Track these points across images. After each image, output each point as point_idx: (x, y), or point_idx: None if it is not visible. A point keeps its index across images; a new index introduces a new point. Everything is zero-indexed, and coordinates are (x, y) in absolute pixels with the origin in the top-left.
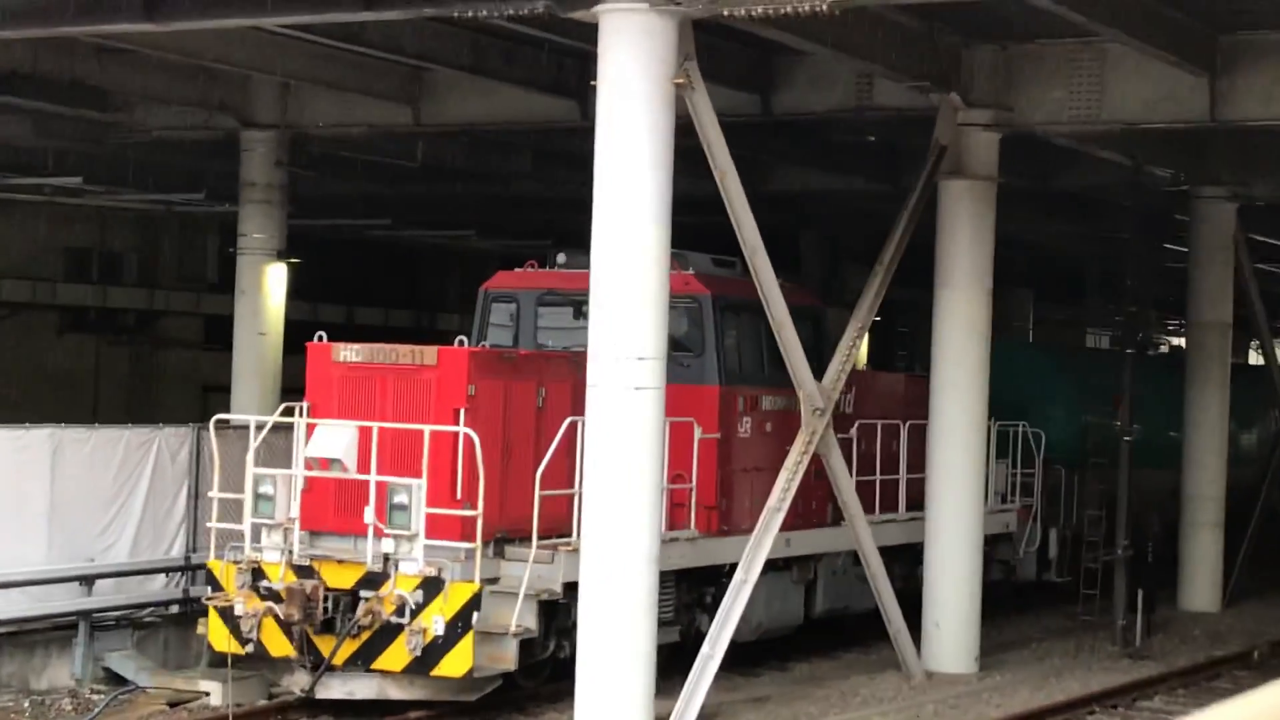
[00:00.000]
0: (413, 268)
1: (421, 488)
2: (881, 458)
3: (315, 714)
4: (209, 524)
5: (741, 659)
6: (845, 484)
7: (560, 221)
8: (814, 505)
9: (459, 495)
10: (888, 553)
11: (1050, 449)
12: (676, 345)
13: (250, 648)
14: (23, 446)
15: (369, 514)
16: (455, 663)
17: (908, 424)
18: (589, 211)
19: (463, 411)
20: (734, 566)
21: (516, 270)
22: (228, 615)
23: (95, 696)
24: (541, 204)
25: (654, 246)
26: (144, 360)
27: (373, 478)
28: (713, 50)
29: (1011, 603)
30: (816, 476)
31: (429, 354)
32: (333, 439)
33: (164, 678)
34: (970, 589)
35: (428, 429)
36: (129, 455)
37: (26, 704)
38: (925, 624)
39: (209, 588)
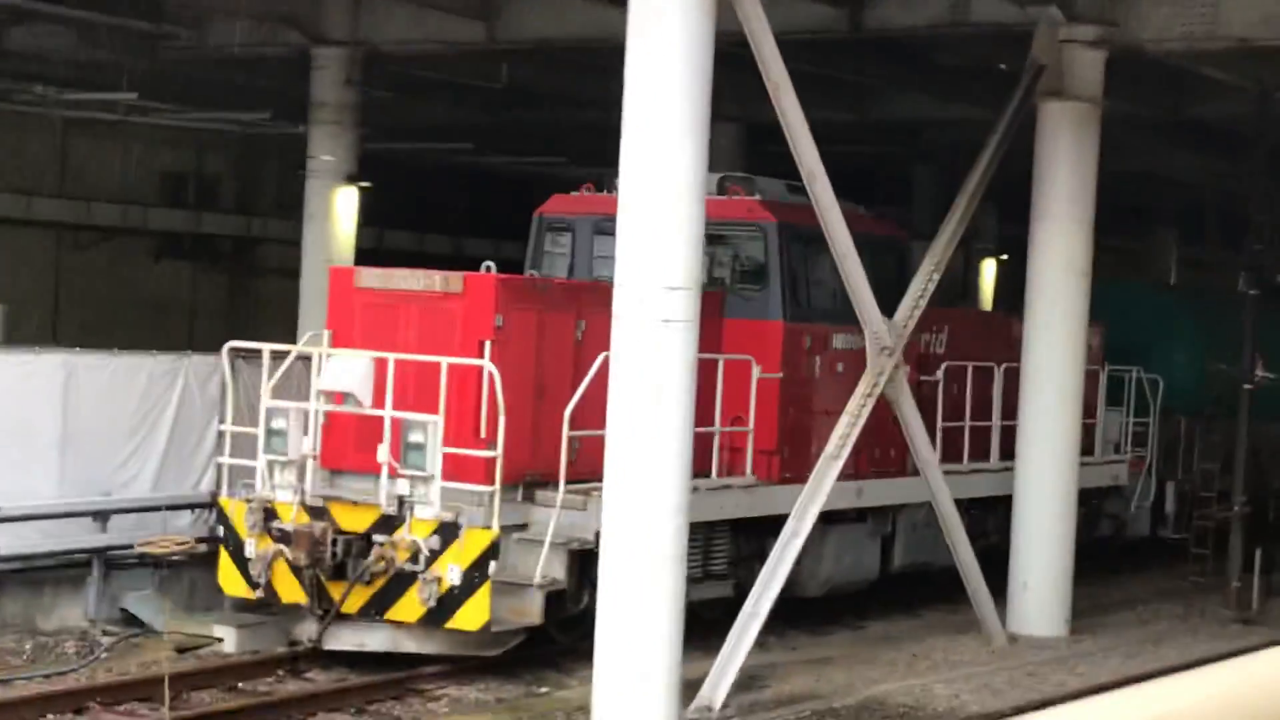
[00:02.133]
0: (492, 195)
1: (438, 425)
2: (974, 403)
3: (328, 665)
4: (219, 459)
5: (812, 615)
6: (917, 430)
7: None
8: (892, 453)
9: (483, 435)
10: (979, 505)
11: (1170, 397)
12: (739, 277)
13: (260, 592)
14: (30, 373)
15: (383, 452)
16: (471, 615)
17: (1003, 367)
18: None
19: (489, 344)
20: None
21: (572, 194)
22: (239, 557)
23: (105, 639)
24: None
25: (687, 164)
26: (240, 288)
27: (387, 413)
28: None
29: (1121, 560)
30: (895, 421)
31: (454, 280)
32: (346, 371)
33: (180, 621)
34: (1062, 547)
35: (445, 361)
36: (152, 384)
37: (29, 645)
38: (1012, 584)
39: (220, 527)
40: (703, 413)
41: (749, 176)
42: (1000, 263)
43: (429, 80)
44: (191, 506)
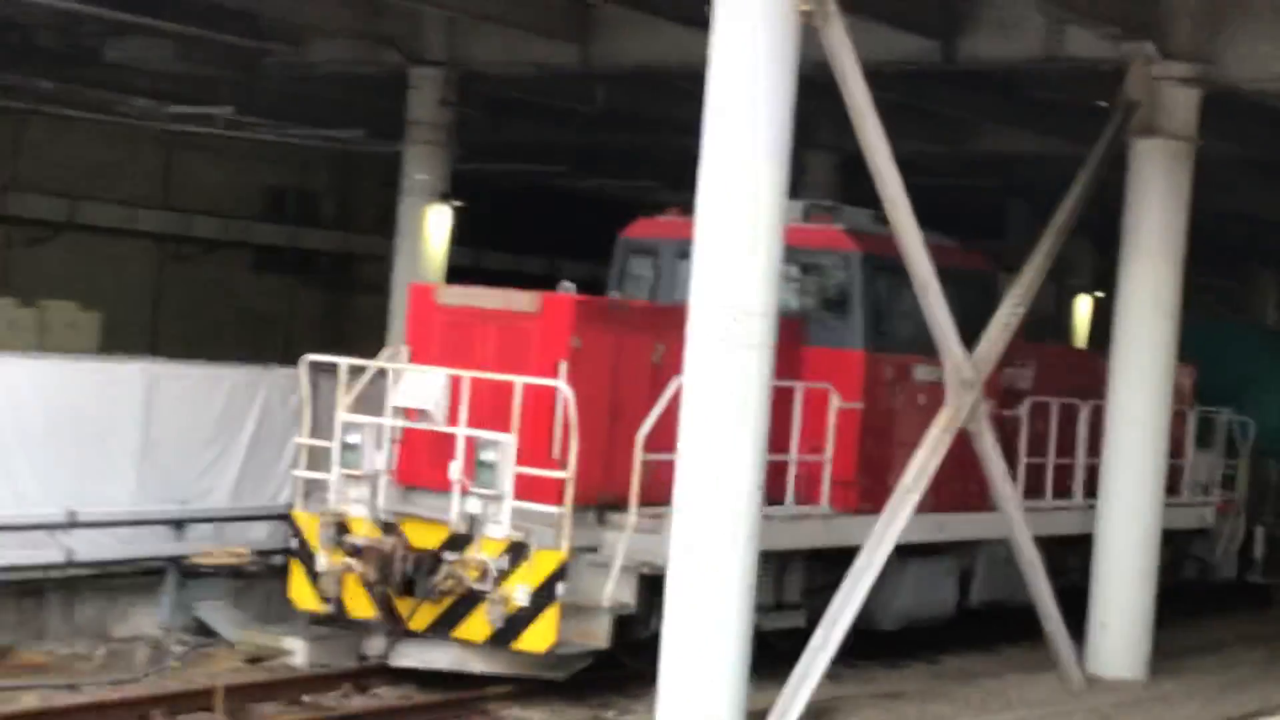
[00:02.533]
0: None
1: (511, 445)
2: (1059, 440)
3: (397, 682)
4: (294, 471)
5: (888, 649)
6: (996, 465)
7: None
8: (973, 487)
9: (556, 455)
10: (1062, 543)
11: (1262, 440)
12: (822, 305)
13: (330, 606)
14: (111, 381)
15: (454, 470)
16: (538, 637)
17: (1090, 404)
18: (804, 173)
19: (564, 364)
20: None
21: (658, 218)
22: (310, 570)
23: (177, 648)
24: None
25: (766, 188)
26: (338, 304)
27: (461, 431)
28: None
29: (1206, 604)
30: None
31: (532, 300)
32: (421, 388)
33: (252, 632)
34: (1143, 587)
35: (519, 381)
36: (234, 396)
37: (101, 650)
38: (1091, 623)
39: (294, 540)
40: (779, 440)
41: (836, 205)
42: (1095, 299)
43: (525, 102)
44: (267, 518)
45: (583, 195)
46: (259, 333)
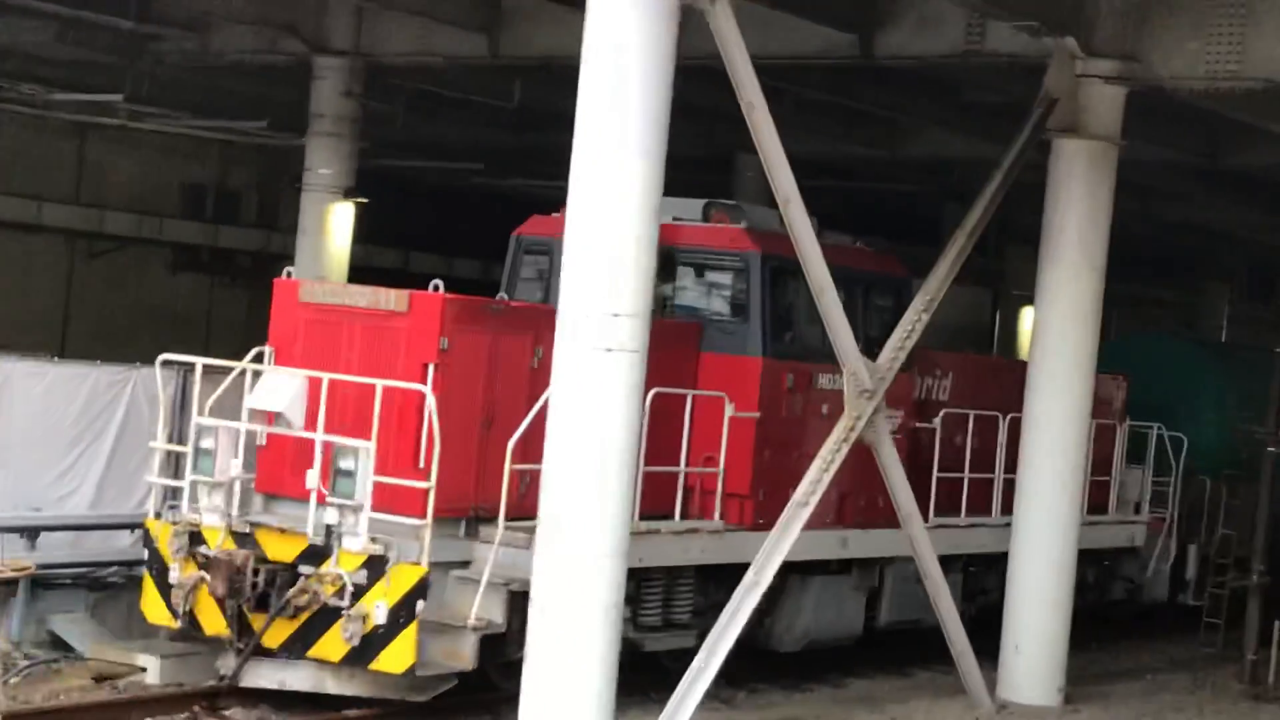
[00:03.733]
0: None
1: (370, 452)
2: (977, 454)
3: (254, 703)
4: (147, 478)
5: (792, 672)
6: (897, 479)
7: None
8: (881, 502)
9: (422, 464)
10: (979, 562)
11: (1196, 457)
12: (718, 309)
13: (183, 622)
14: None
15: (311, 478)
16: (396, 657)
17: (1009, 417)
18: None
19: (432, 367)
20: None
21: (553, 215)
22: (162, 583)
23: (24, 663)
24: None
25: (639, 184)
26: (258, 302)
27: (319, 436)
28: None
29: (1136, 626)
30: None
31: (399, 298)
32: (278, 390)
33: (105, 647)
34: (1057, 610)
35: (380, 384)
36: (96, 395)
37: None
38: (1003, 646)
39: (145, 550)
40: (668, 450)
41: (737, 204)
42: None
43: (445, 98)
44: (125, 526)
45: (498, 193)
46: (177, 333)
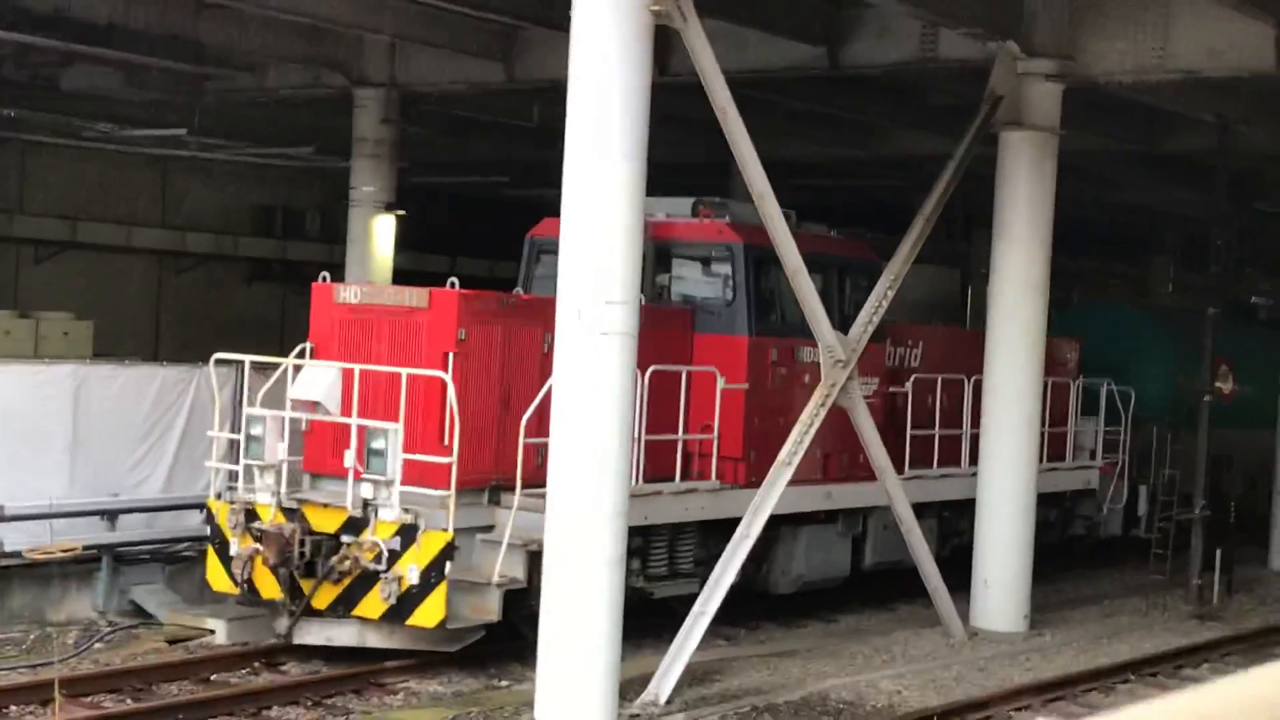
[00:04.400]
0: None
1: (398, 433)
2: (947, 413)
3: (307, 658)
4: (207, 463)
5: (789, 609)
6: (871, 438)
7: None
8: (862, 459)
9: (447, 442)
10: (952, 507)
11: (1146, 408)
12: (708, 295)
13: (244, 589)
14: (42, 382)
15: (349, 458)
16: (428, 613)
17: (974, 380)
18: (733, 176)
19: (451, 356)
20: (774, 520)
21: None
22: (224, 555)
23: (107, 630)
24: (677, 169)
25: (624, 183)
26: None
27: (354, 421)
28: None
29: (1095, 559)
30: None
31: (421, 296)
32: (315, 381)
33: (180, 614)
34: (1020, 546)
35: (405, 372)
36: (164, 393)
37: (33, 636)
38: (974, 581)
39: (208, 527)
40: (669, 420)
41: (723, 201)
42: None
43: (473, 121)
44: (191, 507)
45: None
46: (255, 336)
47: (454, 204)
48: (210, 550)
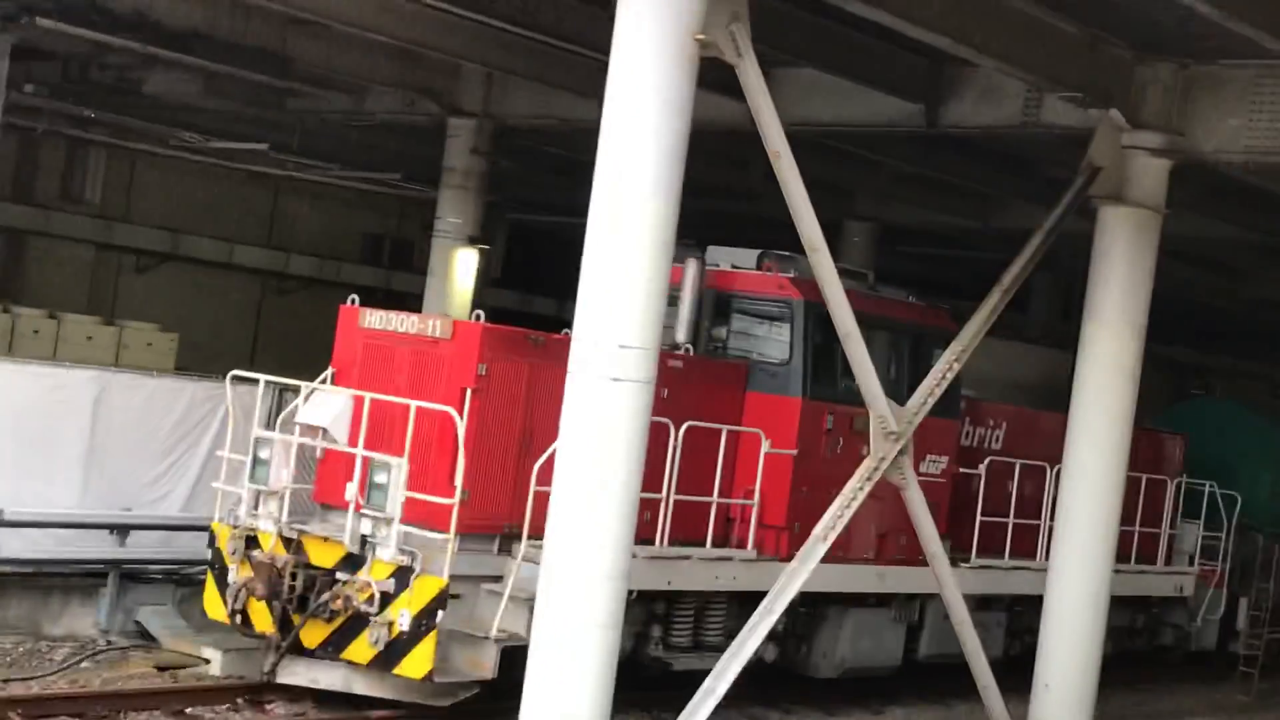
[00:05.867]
0: None
1: (402, 467)
2: (1027, 500)
3: (298, 698)
4: (214, 484)
5: (834, 696)
6: (923, 519)
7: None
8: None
9: (457, 482)
10: (1026, 603)
11: (1253, 515)
12: (765, 351)
13: (237, 619)
14: (56, 386)
15: (350, 490)
16: (416, 663)
17: (1056, 468)
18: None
19: (469, 391)
20: (811, 596)
21: None
22: (222, 582)
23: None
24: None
25: (651, 222)
26: None
27: (359, 451)
28: (875, 53)
29: (1184, 672)
30: (933, 511)
31: (445, 326)
32: (324, 407)
33: (180, 639)
34: (1087, 650)
35: (414, 404)
36: (193, 408)
37: (23, 649)
38: (1035, 684)
39: (210, 551)
40: (705, 481)
41: (792, 255)
42: None
43: (571, 159)
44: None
45: None
46: None
47: (565, 247)
48: (209, 575)
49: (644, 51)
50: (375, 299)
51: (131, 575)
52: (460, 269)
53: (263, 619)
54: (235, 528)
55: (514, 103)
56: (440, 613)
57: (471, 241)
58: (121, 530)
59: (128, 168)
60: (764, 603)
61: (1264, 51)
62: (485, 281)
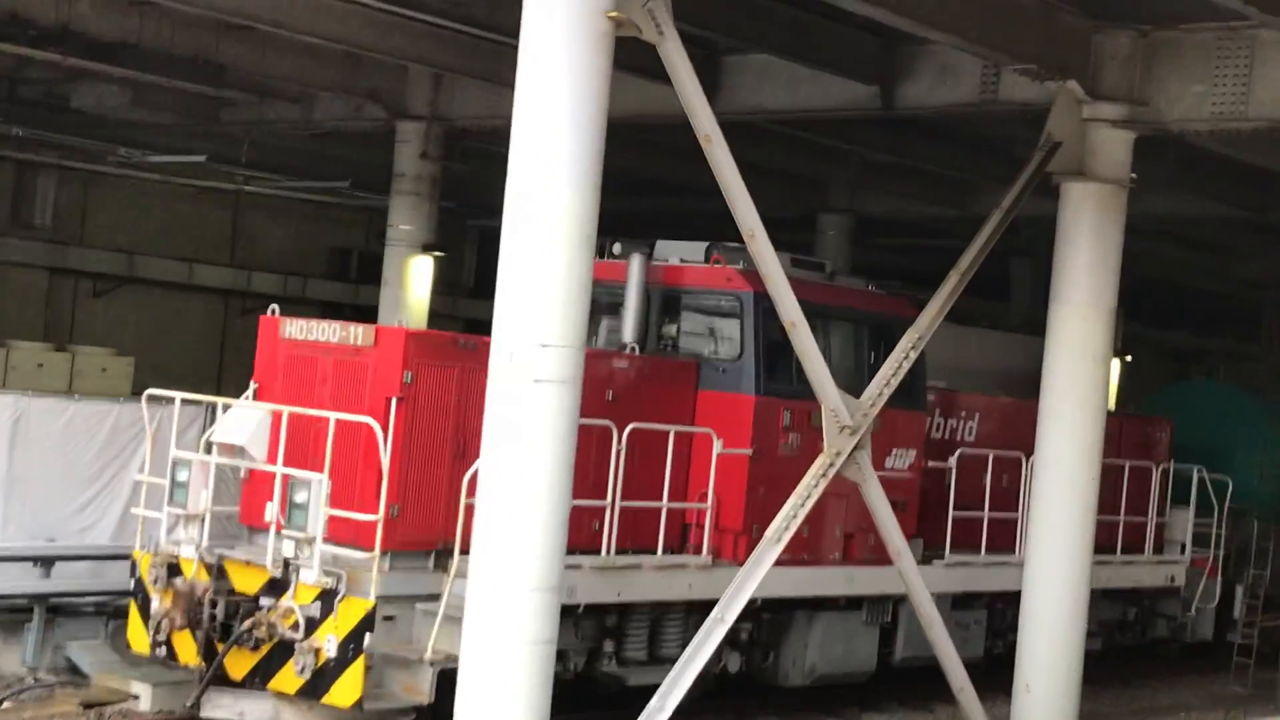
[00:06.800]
0: None
1: (322, 484)
2: (1004, 493)
3: None
4: (133, 509)
5: (805, 705)
6: (884, 516)
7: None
8: None
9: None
10: (1008, 600)
11: (1246, 499)
12: (715, 349)
13: (161, 650)
14: None
15: (270, 510)
16: (344, 691)
17: (1031, 460)
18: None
19: (395, 400)
20: (775, 602)
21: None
22: (145, 612)
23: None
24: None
25: (567, 214)
26: None
27: (279, 469)
28: (827, 36)
29: (1181, 664)
30: (901, 509)
31: (366, 334)
32: (239, 423)
33: (110, 674)
34: (1068, 649)
35: (333, 417)
36: (119, 431)
37: None
38: (1015, 685)
39: (132, 581)
40: (654, 486)
41: (739, 246)
42: (1125, 363)
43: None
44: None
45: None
46: None
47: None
48: (132, 606)
49: (554, 31)
50: (342, 314)
51: (59, 609)
52: (416, 277)
53: (187, 650)
54: (156, 555)
55: (464, 104)
56: (368, 636)
57: (426, 249)
58: (46, 562)
59: (80, 189)
60: (715, 610)
61: (1223, 12)
62: (458, 293)
